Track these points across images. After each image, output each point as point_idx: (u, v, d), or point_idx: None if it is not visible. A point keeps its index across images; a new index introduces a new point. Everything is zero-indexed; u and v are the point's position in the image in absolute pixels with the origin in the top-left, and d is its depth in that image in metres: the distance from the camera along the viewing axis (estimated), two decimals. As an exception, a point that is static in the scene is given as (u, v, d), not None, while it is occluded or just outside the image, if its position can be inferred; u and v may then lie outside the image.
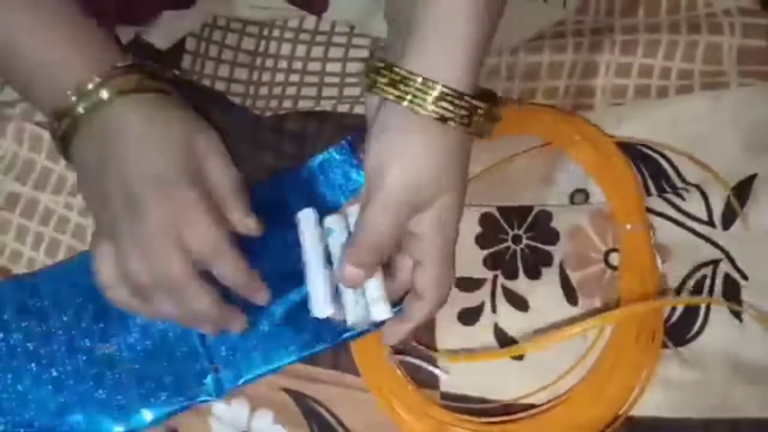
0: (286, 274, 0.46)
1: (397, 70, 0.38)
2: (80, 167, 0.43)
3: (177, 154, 0.41)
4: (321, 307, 0.42)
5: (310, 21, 0.56)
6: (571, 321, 0.45)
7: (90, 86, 0.41)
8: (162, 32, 0.56)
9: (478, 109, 0.39)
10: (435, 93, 0.38)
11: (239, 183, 0.44)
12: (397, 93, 0.38)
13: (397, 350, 0.47)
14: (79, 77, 0.41)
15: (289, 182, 0.51)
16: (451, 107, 0.38)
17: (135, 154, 0.40)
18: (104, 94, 0.41)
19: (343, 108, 0.53)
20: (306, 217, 0.45)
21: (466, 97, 0.38)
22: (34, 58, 0.41)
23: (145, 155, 0.40)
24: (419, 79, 0.38)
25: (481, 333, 0.47)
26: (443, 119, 0.38)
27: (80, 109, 0.41)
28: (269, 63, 0.56)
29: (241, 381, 0.47)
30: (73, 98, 0.41)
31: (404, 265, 0.43)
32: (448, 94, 0.38)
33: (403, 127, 0.39)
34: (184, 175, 0.40)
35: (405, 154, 0.39)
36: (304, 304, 0.43)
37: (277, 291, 0.45)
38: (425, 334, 0.47)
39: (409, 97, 0.38)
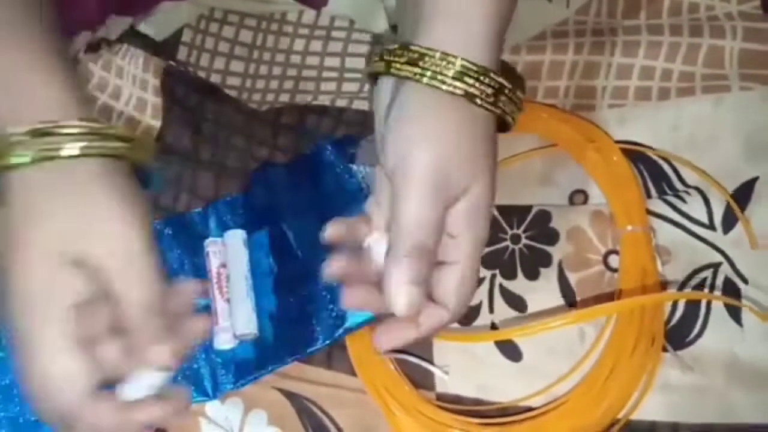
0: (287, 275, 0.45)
1: (414, 47, 0.36)
2: None
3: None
4: (245, 325, 0.45)
5: (309, 15, 0.55)
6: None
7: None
8: (158, 23, 0.55)
9: (504, 89, 0.36)
10: (456, 67, 0.35)
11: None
12: (416, 71, 0.36)
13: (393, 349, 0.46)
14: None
15: (278, 176, 0.50)
16: (476, 84, 0.35)
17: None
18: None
19: (341, 103, 0.52)
20: (234, 236, 0.47)
21: (491, 74, 0.36)
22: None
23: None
24: (437, 54, 0.35)
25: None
26: (469, 96, 0.35)
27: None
28: (266, 56, 0.55)
29: (239, 383, 0.46)
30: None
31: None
32: (471, 69, 0.35)
33: (425, 109, 0.36)
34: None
35: (431, 136, 0.35)
36: (302, 303, 0.42)
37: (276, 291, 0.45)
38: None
39: (429, 73, 0.35)
